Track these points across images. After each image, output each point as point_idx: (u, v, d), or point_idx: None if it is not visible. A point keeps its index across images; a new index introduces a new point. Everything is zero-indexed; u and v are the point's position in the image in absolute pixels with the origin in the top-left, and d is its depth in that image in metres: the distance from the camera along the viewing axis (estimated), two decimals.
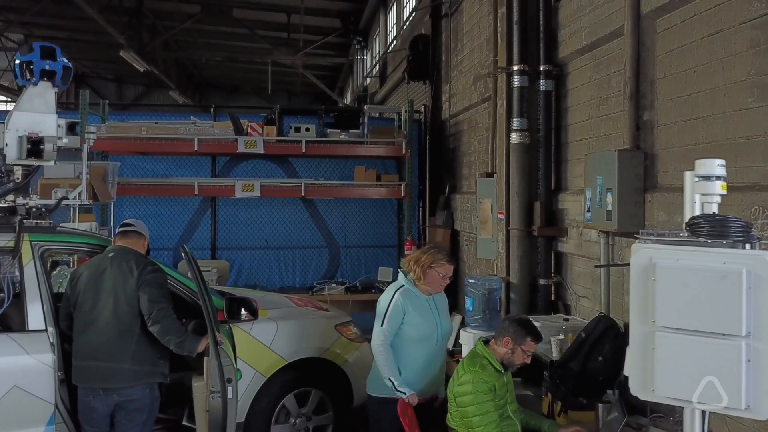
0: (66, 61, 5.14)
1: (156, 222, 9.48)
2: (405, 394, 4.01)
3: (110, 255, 4.38)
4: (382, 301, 4.20)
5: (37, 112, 4.99)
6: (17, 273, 4.40)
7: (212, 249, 10.00)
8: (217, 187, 9.27)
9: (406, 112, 9.63)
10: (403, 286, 4.18)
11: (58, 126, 5.08)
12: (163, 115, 10.52)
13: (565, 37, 5.76)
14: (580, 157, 5.61)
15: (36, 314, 4.33)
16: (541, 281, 5.80)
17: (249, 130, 9.22)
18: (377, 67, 19.20)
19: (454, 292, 8.88)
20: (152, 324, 4.11)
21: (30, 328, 4.29)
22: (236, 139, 9.08)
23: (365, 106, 10.25)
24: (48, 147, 4.92)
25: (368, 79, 20.96)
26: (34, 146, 4.86)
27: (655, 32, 4.58)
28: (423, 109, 10.18)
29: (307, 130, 9.42)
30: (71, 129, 5.25)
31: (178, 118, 10.02)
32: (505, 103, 5.92)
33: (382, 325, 4.10)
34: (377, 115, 11.08)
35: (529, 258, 5.79)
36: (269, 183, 9.36)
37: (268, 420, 5.11)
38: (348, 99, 26.98)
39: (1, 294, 4.48)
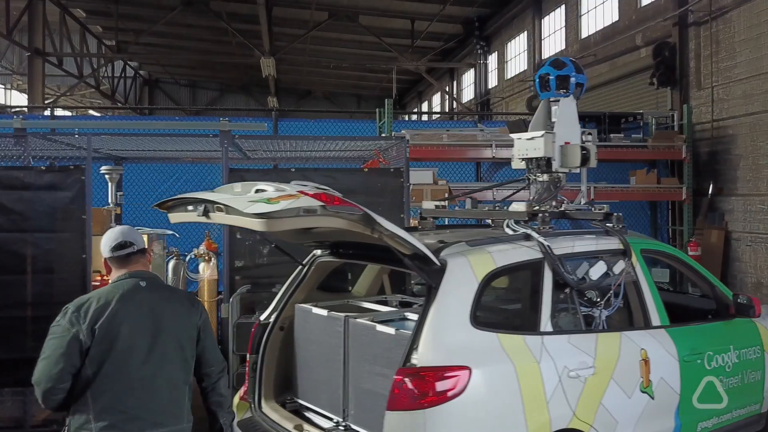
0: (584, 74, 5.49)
1: None
2: None
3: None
4: None
5: (567, 123, 5.35)
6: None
7: None
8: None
9: (681, 116, 9.98)
10: None
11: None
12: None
13: None
14: None
15: (654, 311, 4.66)
16: None
17: None
18: (507, 72, 19.58)
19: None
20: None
21: (652, 325, 4.63)
22: None
23: (642, 112, 10.57)
24: (592, 154, 5.29)
25: (491, 83, 21.34)
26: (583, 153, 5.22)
27: None
28: (672, 115, 10.48)
29: (589, 134, 9.73)
30: None
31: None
32: None
33: None
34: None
35: None
36: None
37: None
38: (429, 103, 27.23)
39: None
